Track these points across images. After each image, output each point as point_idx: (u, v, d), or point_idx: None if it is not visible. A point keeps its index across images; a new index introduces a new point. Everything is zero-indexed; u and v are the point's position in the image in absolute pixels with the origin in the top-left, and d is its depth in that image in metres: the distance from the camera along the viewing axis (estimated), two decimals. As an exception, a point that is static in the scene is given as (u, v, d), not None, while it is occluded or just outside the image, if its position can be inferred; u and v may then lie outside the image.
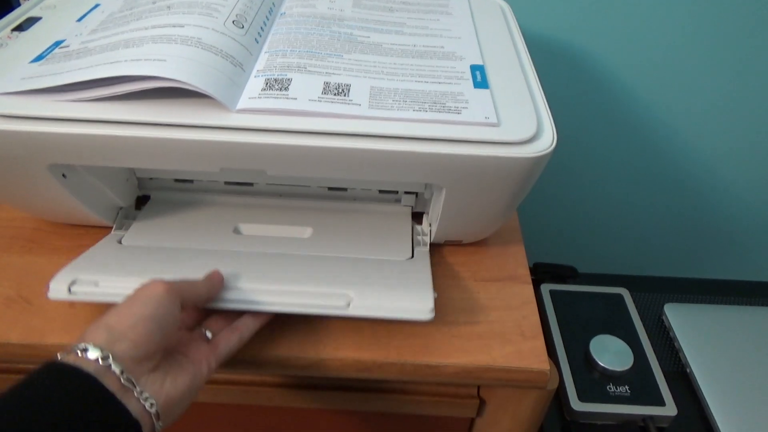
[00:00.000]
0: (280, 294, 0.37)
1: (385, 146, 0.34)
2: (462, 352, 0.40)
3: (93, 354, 0.28)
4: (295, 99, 0.35)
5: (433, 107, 0.36)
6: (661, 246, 0.85)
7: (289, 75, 0.37)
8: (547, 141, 0.35)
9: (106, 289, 0.37)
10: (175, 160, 0.36)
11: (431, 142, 0.34)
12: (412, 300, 0.38)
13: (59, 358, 0.29)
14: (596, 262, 0.86)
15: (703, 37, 0.65)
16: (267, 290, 0.38)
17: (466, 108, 0.36)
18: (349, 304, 0.37)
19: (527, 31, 0.49)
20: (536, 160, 0.34)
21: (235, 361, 0.39)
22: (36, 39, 0.42)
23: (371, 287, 0.38)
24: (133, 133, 0.34)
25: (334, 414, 0.48)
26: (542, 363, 0.39)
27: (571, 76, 0.68)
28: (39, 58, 0.38)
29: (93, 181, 0.42)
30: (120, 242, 0.43)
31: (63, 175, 0.39)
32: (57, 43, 0.40)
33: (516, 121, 0.36)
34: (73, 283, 0.37)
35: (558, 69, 0.68)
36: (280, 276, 0.39)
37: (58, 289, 0.36)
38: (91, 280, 0.37)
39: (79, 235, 0.46)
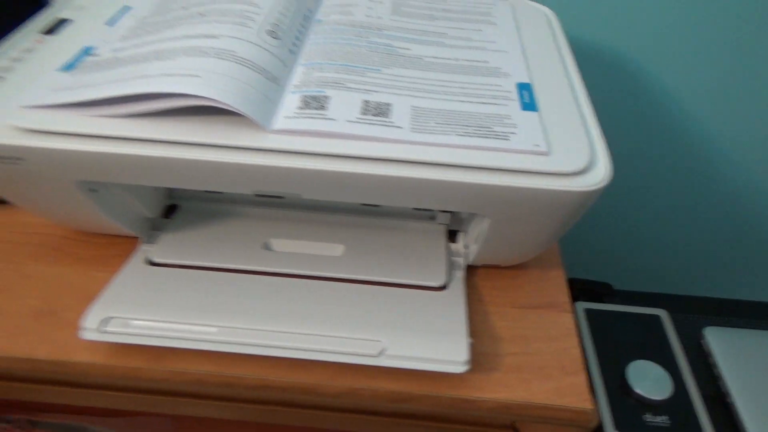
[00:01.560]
0: (311, 338, 0.37)
1: (428, 174, 0.32)
2: (500, 386, 0.38)
3: None
4: (334, 120, 0.34)
5: (479, 132, 0.34)
6: (701, 263, 0.82)
7: (327, 92, 0.36)
8: (601, 173, 0.33)
9: (139, 330, 0.37)
10: (208, 182, 0.34)
11: (477, 171, 0.32)
12: (446, 350, 0.36)
13: None
14: (632, 278, 0.83)
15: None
16: (298, 333, 0.37)
17: (514, 133, 0.34)
18: (380, 353, 0.36)
19: (571, 41, 0.47)
20: (589, 195, 0.32)
21: (264, 385, 0.38)
22: (65, 44, 0.40)
23: (403, 332, 0.37)
24: (164, 154, 0.32)
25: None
26: (585, 402, 0.37)
27: (609, 83, 0.65)
28: (68, 66, 0.37)
29: (122, 195, 0.40)
30: (149, 260, 0.42)
31: (92, 190, 0.38)
32: (86, 50, 0.39)
33: (567, 150, 0.34)
34: (105, 322, 0.37)
35: (594, 75, 0.65)
36: (311, 313, 0.38)
37: (91, 329, 0.36)
38: (124, 318, 0.37)
39: (106, 245, 0.45)
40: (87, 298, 0.41)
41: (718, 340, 0.59)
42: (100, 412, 0.46)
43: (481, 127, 0.34)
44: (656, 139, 0.70)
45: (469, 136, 0.33)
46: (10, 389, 0.44)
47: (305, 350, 0.36)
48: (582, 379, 0.38)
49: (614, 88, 0.66)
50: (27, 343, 0.38)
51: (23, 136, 0.33)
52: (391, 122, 0.34)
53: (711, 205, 0.76)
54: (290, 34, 0.40)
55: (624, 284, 0.66)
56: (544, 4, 0.50)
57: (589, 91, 0.39)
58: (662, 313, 0.61)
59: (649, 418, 0.52)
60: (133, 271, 0.41)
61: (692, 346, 0.60)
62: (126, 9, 0.44)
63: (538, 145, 0.33)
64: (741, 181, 0.73)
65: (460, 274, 0.43)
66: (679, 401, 0.53)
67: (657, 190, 0.76)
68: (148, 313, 0.37)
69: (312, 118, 0.34)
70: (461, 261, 0.44)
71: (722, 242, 0.80)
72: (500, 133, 0.34)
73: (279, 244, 0.44)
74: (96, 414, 0.46)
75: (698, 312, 0.63)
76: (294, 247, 0.44)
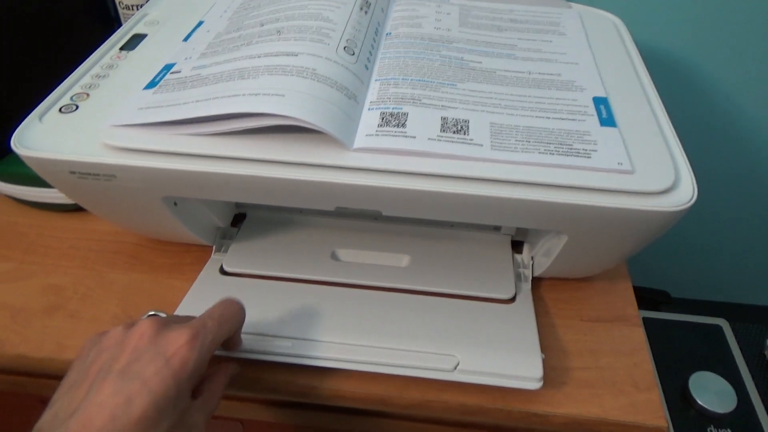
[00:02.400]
0: (384, 351, 0.37)
1: (511, 194, 0.32)
2: (572, 401, 0.38)
3: None
4: (414, 138, 0.34)
5: (560, 149, 0.34)
6: (763, 270, 0.80)
7: (405, 108, 0.36)
8: (687, 192, 0.32)
9: None
10: (291, 199, 0.35)
11: (560, 190, 0.32)
12: (519, 366, 0.36)
13: None
14: (691, 286, 0.82)
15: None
16: (371, 346, 0.37)
17: (596, 151, 0.34)
18: (455, 368, 0.36)
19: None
20: (675, 215, 0.32)
21: (337, 396, 0.38)
22: (145, 60, 0.42)
23: (477, 348, 0.37)
24: (250, 172, 0.33)
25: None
26: (659, 419, 0.37)
27: (678, 89, 0.64)
28: (152, 84, 0.38)
29: (200, 207, 0.42)
30: (222, 269, 0.43)
31: (174, 203, 0.39)
32: (167, 67, 0.40)
33: (651, 168, 0.33)
34: None
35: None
36: (382, 325, 0.39)
37: None
38: None
39: (179, 253, 0.46)
40: (163, 305, 0.43)
41: (782, 352, 0.58)
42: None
43: (562, 144, 0.34)
44: (718, 146, 0.69)
45: (551, 153, 0.33)
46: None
47: (382, 365, 0.37)
48: (655, 395, 0.38)
49: (680, 95, 0.65)
50: (110, 349, 0.40)
51: (116, 154, 0.34)
52: (471, 140, 0.34)
53: (772, 210, 0.74)
54: (365, 49, 0.40)
55: (681, 292, 0.65)
56: (609, 11, 0.49)
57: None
58: (723, 323, 0.60)
59: (712, 431, 0.51)
60: (207, 282, 0.42)
61: (755, 357, 0.59)
62: (199, 24, 0.45)
63: (621, 164, 0.33)
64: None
65: (527, 287, 0.43)
66: (742, 414, 0.52)
67: (718, 197, 0.74)
68: None
69: (393, 136, 0.34)
70: (528, 273, 0.44)
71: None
72: (581, 151, 0.34)
73: (346, 255, 0.45)
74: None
75: (760, 322, 0.62)
76: (360, 258, 0.45)
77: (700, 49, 0.62)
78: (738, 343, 0.59)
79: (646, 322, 0.60)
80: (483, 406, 0.38)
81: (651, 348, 0.58)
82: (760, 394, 0.54)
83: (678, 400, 0.53)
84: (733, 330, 0.60)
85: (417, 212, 0.35)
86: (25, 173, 0.48)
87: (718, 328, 0.60)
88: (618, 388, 0.39)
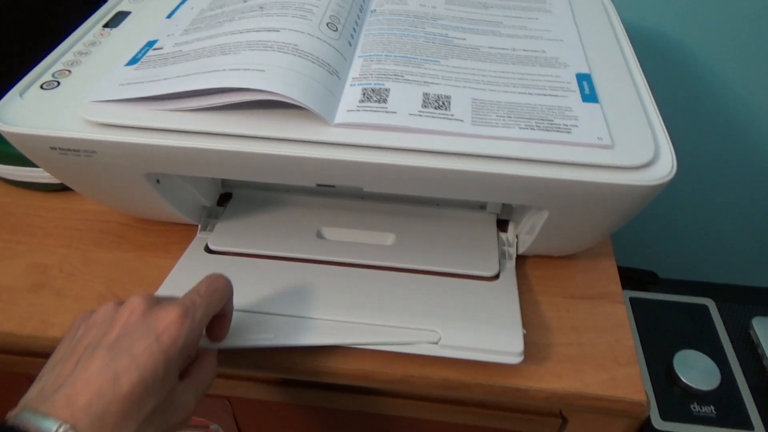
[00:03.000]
0: (367, 328, 0.38)
1: (491, 168, 0.32)
2: (553, 376, 0.38)
3: None
4: (395, 113, 0.34)
5: (541, 124, 0.34)
6: (748, 252, 0.80)
7: (387, 84, 0.36)
8: (665, 166, 0.32)
9: None
10: (273, 175, 0.35)
11: (540, 165, 0.32)
12: (500, 341, 0.37)
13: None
14: (678, 266, 0.82)
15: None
16: (354, 323, 0.38)
17: (576, 126, 0.34)
18: (437, 344, 0.37)
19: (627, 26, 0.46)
20: (654, 189, 0.32)
21: (319, 371, 0.39)
22: (128, 38, 0.41)
23: (459, 323, 0.38)
24: (233, 147, 0.33)
25: (409, 421, 0.47)
26: (638, 393, 0.37)
27: (665, 70, 0.64)
28: (133, 60, 0.38)
29: (183, 185, 0.42)
30: (207, 247, 0.43)
31: (157, 181, 0.39)
32: (150, 44, 0.40)
33: (631, 143, 0.33)
34: None
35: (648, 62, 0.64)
36: (366, 302, 0.39)
37: None
38: None
39: (164, 232, 0.47)
40: (148, 283, 0.43)
41: (766, 331, 0.58)
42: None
43: (543, 119, 0.34)
44: (705, 127, 0.69)
45: (531, 129, 0.33)
46: (76, 369, 0.46)
47: (365, 341, 0.37)
48: (636, 370, 0.39)
49: (667, 76, 0.64)
50: (95, 326, 0.40)
51: (96, 129, 0.34)
52: (452, 115, 0.34)
53: (759, 190, 0.74)
54: (348, 25, 0.40)
55: (669, 273, 0.66)
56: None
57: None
58: (709, 303, 0.61)
59: (695, 407, 0.52)
60: (192, 259, 0.42)
61: (740, 336, 0.60)
62: (183, 1, 0.45)
63: (601, 138, 0.33)
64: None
65: (511, 264, 0.43)
66: (726, 392, 0.53)
67: (705, 178, 0.74)
68: None
69: (374, 111, 0.34)
70: (512, 251, 0.44)
71: (770, 230, 0.78)
72: (562, 126, 0.34)
73: (331, 233, 0.45)
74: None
75: (746, 302, 0.62)
76: (346, 236, 0.45)
77: (687, 28, 0.61)
78: (724, 322, 0.59)
79: (633, 301, 0.60)
80: (465, 381, 0.38)
81: (637, 327, 0.58)
82: (743, 372, 0.54)
83: (663, 377, 0.54)
84: (719, 310, 0.60)
85: (397, 188, 0.35)
86: (10, 152, 0.47)
87: (704, 308, 0.60)
88: (599, 363, 0.39)
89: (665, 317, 0.59)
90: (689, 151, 0.72)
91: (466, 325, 0.38)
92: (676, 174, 0.32)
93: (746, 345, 0.59)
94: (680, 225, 0.79)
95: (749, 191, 0.74)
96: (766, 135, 0.69)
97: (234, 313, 0.37)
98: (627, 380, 0.38)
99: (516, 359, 0.36)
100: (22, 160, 0.47)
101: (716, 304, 0.60)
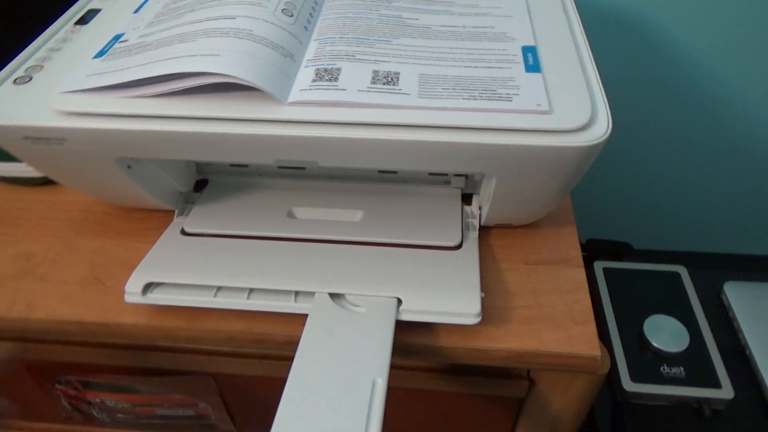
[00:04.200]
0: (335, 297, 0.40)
1: (434, 137, 0.34)
2: (512, 336, 0.40)
3: None
4: (345, 90, 0.36)
5: (484, 95, 0.36)
6: (720, 221, 0.82)
7: (338, 64, 0.38)
8: (601, 128, 0.34)
9: (177, 293, 0.40)
10: (232, 153, 0.37)
11: (481, 132, 0.34)
12: (459, 304, 0.38)
13: None
14: (652, 238, 0.84)
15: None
16: (320, 292, 0.40)
17: (518, 95, 0.36)
18: (398, 308, 0.38)
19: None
20: (589, 149, 0.34)
21: (290, 341, 0.41)
22: (97, 33, 0.43)
23: (419, 289, 0.39)
24: (192, 129, 0.35)
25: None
26: (593, 349, 0.39)
27: (622, 42, 0.65)
28: (101, 53, 0.40)
29: (156, 170, 0.44)
30: (183, 231, 0.45)
31: (128, 166, 0.41)
32: (116, 37, 0.42)
33: (569, 107, 0.35)
34: (147, 287, 0.40)
35: (607, 34, 0.65)
36: (332, 274, 0.41)
37: (134, 293, 0.40)
38: (163, 283, 0.40)
39: (145, 219, 0.49)
40: (129, 266, 0.45)
41: (737, 295, 0.60)
42: (147, 372, 0.50)
43: (486, 90, 0.36)
44: (672, 97, 0.70)
45: (474, 99, 0.35)
46: (64, 352, 0.48)
47: (331, 308, 0.39)
48: (591, 328, 0.40)
49: (626, 47, 0.66)
50: (77, 307, 0.42)
51: (64, 118, 0.36)
52: (399, 90, 0.36)
53: (728, 161, 0.75)
54: (304, 11, 0.42)
55: (644, 244, 0.67)
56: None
57: (595, 51, 0.40)
58: (681, 270, 0.62)
59: (665, 369, 0.53)
60: (169, 241, 0.44)
61: (712, 302, 0.61)
62: (150, -4, 0.47)
63: (539, 105, 0.35)
64: (760, 135, 0.72)
65: (474, 234, 0.45)
66: (695, 353, 0.54)
67: (674, 149, 0.76)
68: (184, 277, 0.41)
69: (324, 89, 0.36)
70: (475, 222, 0.46)
71: (741, 197, 0.79)
72: (504, 95, 0.35)
73: (302, 212, 0.47)
74: (142, 374, 0.51)
75: (719, 268, 0.64)
76: (316, 215, 0.47)
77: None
78: (696, 289, 0.60)
79: (606, 271, 0.62)
80: (427, 344, 0.40)
81: (610, 296, 0.60)
82: (714, 335, 0.56)
83: (634, 343, 0.55)
84: (692, 276, 0.61)
85: (351, 160, 0.36)
86: (-6, 150, 0.50)
87: (676, 275, 0.61)
88: (557, 323, 0.41)
89: (637, 285, 0.61)
90: (656, 126, 0.73)
91: (427, 291, 0.40)
92: (611, 135, 0.34)
93: (718, 309, 0.60)
94: (654, 197, 0.81)
95: (718, 161, 0.76)
96: (735, 106, 0.70)
97: (208, 287, 0.40)
98: (583, 337, 0.40)
99: (473, 320, 0.38)
100: (6, 157, 0.49)
101: (688, 271, 0.62)
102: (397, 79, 0.37)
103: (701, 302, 0.59)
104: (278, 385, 0.50)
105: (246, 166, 0.50)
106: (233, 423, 0.57)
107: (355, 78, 0.37)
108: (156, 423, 0.57)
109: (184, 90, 0.36)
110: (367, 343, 0.36)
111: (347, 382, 0.34)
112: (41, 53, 0.42)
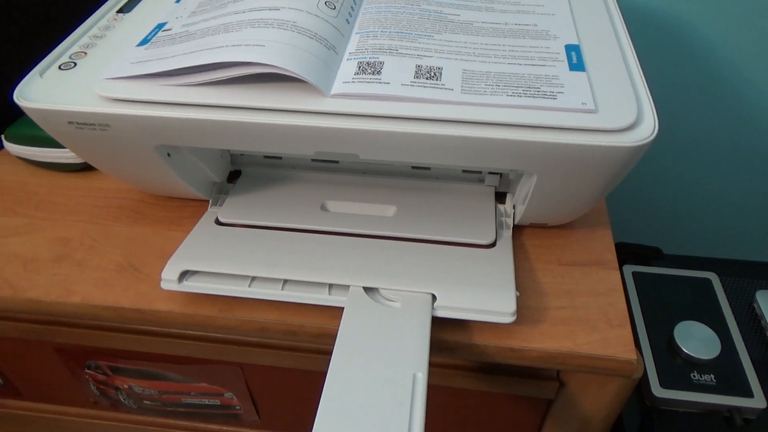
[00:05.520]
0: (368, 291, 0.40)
1: (477, 133, 0.34)
2: (546, 337, 0.40)
3: None
4: (388, 83, 0.36)
5: (528, 92, 0.35)
6: (754, 229, 0.80)
7: (381, 58, 0.38)
8: (647, 129, 0.34)
9: (212, 283, 0.40)
10: (274, 144, 0.37)
11: (525, 130, 0.34)
12: (494, 302, 0.38)
13: None
14: (683, 243, 0.83)
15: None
16: (354, 286, 0.40)
17: (562, 93, 0.35)
18: (432, 304, 0.38)
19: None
20: (636, 150, 0.33)
21: (323, 333, 0.41)
22: (139, 21, 0.44)
23: (454, 286, 0.39)
24: (235, 118, 0.35)
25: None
26: (629, 352, 0.39)
27: (662, 45, 0.64)
28: (144, 41, 0.40)
29: (193, 160, 0.44)
30: (217, 221, 0.45)
31: (168, 155, 0.41)
32: (159, 26, 0.42)
33: (614, 107, 0.35)
34: (183, 274, 0.40)
35: (648, 37, 0.64)
36: (366, 268, 0.41)
37: (170, 280, 0.40)
38: (198, 271, 0.41)
39: (179, 207, 0.49)
40: (164, 254, 0.45)
41: (770, 304, 0.59)
42: (176, 360, 0.51)
43: (530, 87, 0.36)
44: (710, 102, 0.69)
45: (518, 96, 0.35)
46: (95, 337, 0.49)
47: (363, 302, 0.39)
48: (627, 331, 0.40)
49: (665, 50, 0.65)
50: (113, 293, 0.43)
51: (109, 104, 0.36)
52: (443, 85, 0.36)
53: (764, 169, 0.74)
54: (346, 4, 0.42)
55: (675, 249, 0.66)
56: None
57: (639, 51, 0.40)
58: (713, 277, 0.61)
59: (695, 376, 0.52)
60: (204, 230, 0.45)
61: (744, 310, 0.60)
62: (192, -14, 0.47)
63: (585, 103, 0.34)
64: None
65: (507, 233, 0.45)
66: (726, 361, 0.53)
67: (708, 154, 0.74)
68: (219, 266, 0.41)
69: (368, 82, 0.36)
70: (509, 221, 0.46)
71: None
72: (548, 93, 0.35)
73: (335, 206, 0.47)
74: (171, 362, 0.51)
75: (751, 276, 0.63)
76: (349, 209, 0.47)
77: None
78: (727, 296, 0.60)
79: (636, 276, 0.61)
80: (461, 342, 0.40)
81: (639, 300, 0.59)
82: (745, 344, 0.55)
83: (664, 348, 0.55)
84: (723, 284, 0.61)
85: (390, 154, 0.36)
86: (35, 135, 0.50)
87: (707, 282, 0.61)
88: (591, 325, 0.40)
89: (668, 291, 0.60)
90: (693, 130, 0.72)
91: (461, 288, 0.39)
92: (657, 136, 0.33)
93: (749, 318, 0.59)
94: (685, 202, 0.80)
95: (753, 167, 0.74)
96: (763, 110, 0.69)
97: (242, 277, 0.40)
98: (618, 340, 0.39)
99: (508, 319, 0.38)
100: (47, 142, 0.50)
101: (720, 279, 0.61)
102: (440, 74, 0.37)
103: (732, 310, 0.58)
104: (306, 377, 0.51)
105: (280, 158, 0.50)
106: (258, 414, 0.57)
107: (398, 72, 0.36)
108: (181, 411, 0.58)
109: (227, 80, 0.36)
110: (405, 338, 0.36)
111: (388, 375, 0.34)
112: (85, 40, 0.43)
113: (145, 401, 0.57)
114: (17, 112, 0.44)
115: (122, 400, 0.58)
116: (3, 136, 0.52)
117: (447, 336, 0.40)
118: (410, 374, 0.34)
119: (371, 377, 0.34)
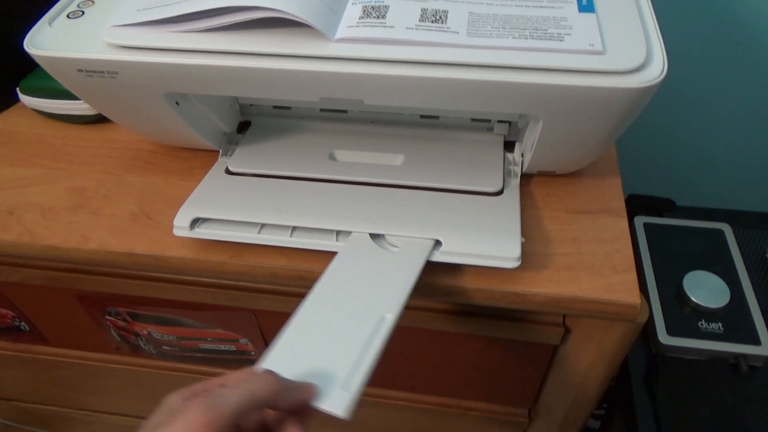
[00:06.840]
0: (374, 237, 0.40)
1: (483, 76, 0.34)
2: (550, 282, 0.40)
3: None
4: (393, 27, 0.35)
5: (534, 34, 0.35)
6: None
7: (386, 1, 0.37)
8: (656, 70, 0.33)
9: (223, 230, 0.41)
10: (279, 90, 0.37)
11: (531, 72, 0.33)
12: (499, 247, 0.38)
13: None
14: (696, 194, 0.81)
15: None
16: (361, 232, 0.40)
17: (570, 35, 0.35)
18: (438, 249, 0.39)
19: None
20: (644, 91, 0.33)
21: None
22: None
23: (460, 232, 0.39)
24: (240, 64, 0.35)
25: (421, 332, 0.50)
26: (633, 297, 0.39)
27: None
28: (150, -11, 0.40)
29: (202, 108, 0.44)
30: (227, 170, 0.46)
31: (177, 103, 0.42)
32: (165, -27, 0.42)
33: (623, 48, 0.34)
34: (194, 221, 0.41)
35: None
36: (373, 215, 0.41)
37: (182, 227, 0.41)
38: (210, 219, 0.42)
39: (189, 158, 0.50)
40: (175, 203, 0.46)
41: (783, 255, 0.58)
42: (191, 306, 0.52)
43: (537, 29, 0.35)
44: (725, 51, 0.67)
45: (525, 38, 0.34)
46: (113, 284, 0.51)
47: (372, 247, 0.39)
48: (632, 277, 0.40)
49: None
50: (127, 239, 0.44)
51: (116, 51, 0.37)
52: (448, 28, 0.35)
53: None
54: (351, -54, 0.41)
55: (688, 200, 0.65)
56: None
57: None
58: (725, 228, 0.61)
59: (703, 324, 0.53)
60: (214, 179, 0.46)
61: (756, 260, 0.60)
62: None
63: (592, 45, 0.34)
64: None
65: (515, 181, 0.45)
66: (735, 310, 0.54)
67: (723, 103, 0.73)
68: (230, 214, 0.42)
69: (372, 26, 0.35)
70: (517, 169, 0.45)
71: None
72: (555, 35, 0.35)
73: (343, 155, 0.47)
74: (187, 308, 0.53)
75: (764, 227, 0.62)
76: (357, 158, 0.47)
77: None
78: (739, 247, 0.59)
79: (647, 227, 0.61)
80: (465, 287, 0.41)
81: (650, 251, 0.59)
82: (755, 292, 0.55)
83: (672, 298, 0.55)
84: (735, 234, 0.60)
85: (396, 99, 0.36)
86: (49, 87, 0.51)
87: (720, 232, 0.60)
88: (596, 270, 0.41)
89: (679, 241, 0.60)
90: (706, 80, 0.70)
91: (467, 235, 0.40)
92: (666, 77, 0.33)
93: (762, 268, 0.59)
94: (698, 153, 0.78)
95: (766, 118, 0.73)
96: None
97: (251, 225, 0.41)
98: (623, 285, 0.40)
99: (513, 264, 0.38)
100: (61, 94, 0.51)
101: (732, 230, 0.61)
102: (446, 17, 0.36)
103: (744, 261, 0.58)
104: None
105: (288, 108, 0.50)
106: (272, 359, 0.59)
107: (403, 15, 0.36)
108: (199, 356, 0.60)
109: (232, 25, 0.36)
110: (390, 280, 0.37)
111: (357, 314, 0.35)
112: (90, -10, 0.43)
113: (164, 347, 0.60)
114: (31, 65, 0.44)
115: (142, 345, 0.60)
116: (18, 89, 0.53)
117: (452, 281, 0.41)
118: (379, 314, 0.35)
119: (342, 312, 0.35)
